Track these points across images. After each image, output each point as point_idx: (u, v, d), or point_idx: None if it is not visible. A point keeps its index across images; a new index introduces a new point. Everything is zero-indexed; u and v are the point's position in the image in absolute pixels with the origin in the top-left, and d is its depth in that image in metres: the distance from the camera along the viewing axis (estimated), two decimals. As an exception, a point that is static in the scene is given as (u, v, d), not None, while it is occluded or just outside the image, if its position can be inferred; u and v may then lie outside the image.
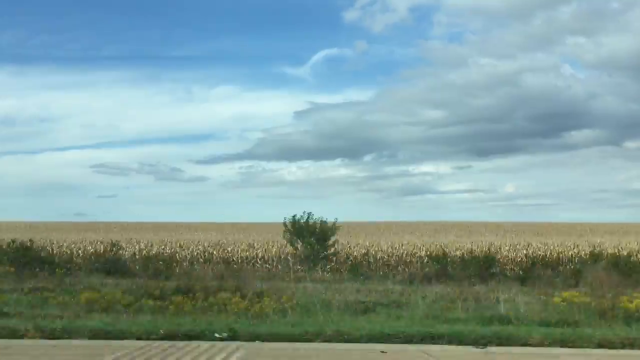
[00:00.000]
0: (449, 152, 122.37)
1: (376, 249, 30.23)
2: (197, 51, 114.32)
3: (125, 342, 9.56)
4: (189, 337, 9.91)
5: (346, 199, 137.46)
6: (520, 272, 24.47)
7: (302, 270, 25.00)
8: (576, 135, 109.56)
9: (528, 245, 31.93)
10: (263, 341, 9.78)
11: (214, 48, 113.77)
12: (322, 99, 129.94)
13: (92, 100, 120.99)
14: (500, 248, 30.34)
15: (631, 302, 12.55)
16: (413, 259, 28.14)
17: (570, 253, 29.17)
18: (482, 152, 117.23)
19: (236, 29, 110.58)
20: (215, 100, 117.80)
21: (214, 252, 29.59)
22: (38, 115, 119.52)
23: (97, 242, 32.08)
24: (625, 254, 25.83)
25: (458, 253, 26.53)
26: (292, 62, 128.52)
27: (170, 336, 9.90)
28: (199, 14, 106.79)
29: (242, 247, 31.08)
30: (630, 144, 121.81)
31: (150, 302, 13.45)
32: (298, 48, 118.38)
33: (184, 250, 30.48)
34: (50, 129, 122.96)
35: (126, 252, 28.59)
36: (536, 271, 23.65)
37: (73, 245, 30.97)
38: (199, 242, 33.60)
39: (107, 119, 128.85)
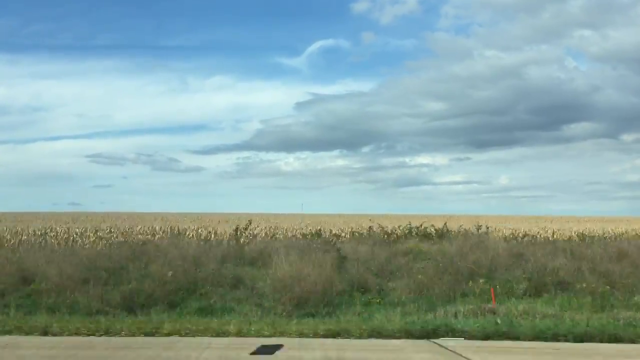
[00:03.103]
0: (448, 144, 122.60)
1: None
2: (192, 41, 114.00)
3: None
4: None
5: (341, 190, 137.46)
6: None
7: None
8: (574, 128, 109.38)
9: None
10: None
11: (208, 38, 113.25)
12: (324, 90, 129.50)
13: (86, 90, 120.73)
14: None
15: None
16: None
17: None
18: (482, 145, 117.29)
19: (232, 19, 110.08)
20: (210, 90, 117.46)
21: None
22: (31, 104, 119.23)
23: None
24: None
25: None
26: (290, 53, 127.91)
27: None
28: (194, 3, 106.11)
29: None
30: (626, 137, 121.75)
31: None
32: (296, 39, 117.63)
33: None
34: (43, 118, 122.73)
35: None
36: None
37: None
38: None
39: (100, 109, 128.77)
